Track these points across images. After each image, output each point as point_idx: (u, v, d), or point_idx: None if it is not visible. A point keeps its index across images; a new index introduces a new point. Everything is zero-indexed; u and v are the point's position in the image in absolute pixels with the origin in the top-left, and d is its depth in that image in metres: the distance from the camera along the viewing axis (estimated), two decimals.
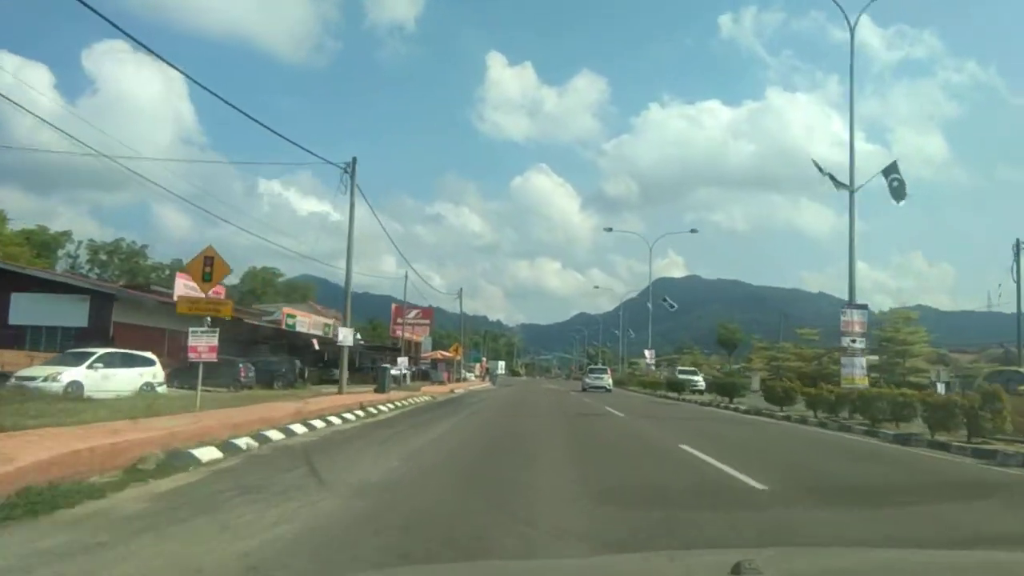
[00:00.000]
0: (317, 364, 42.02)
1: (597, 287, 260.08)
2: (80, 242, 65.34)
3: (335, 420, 14.12)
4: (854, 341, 19.67)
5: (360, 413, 16.30)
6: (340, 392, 23.46)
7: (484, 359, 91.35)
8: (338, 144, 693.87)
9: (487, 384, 58.32)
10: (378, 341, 65.54)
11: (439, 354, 59.75)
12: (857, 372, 19.66)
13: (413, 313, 57.51)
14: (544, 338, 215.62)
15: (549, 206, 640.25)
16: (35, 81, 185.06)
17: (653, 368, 61.32)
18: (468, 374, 68.86)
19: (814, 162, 21.45)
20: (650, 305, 55.56)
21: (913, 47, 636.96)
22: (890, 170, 20.16)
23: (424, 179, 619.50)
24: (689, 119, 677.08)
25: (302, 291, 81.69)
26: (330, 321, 46.60)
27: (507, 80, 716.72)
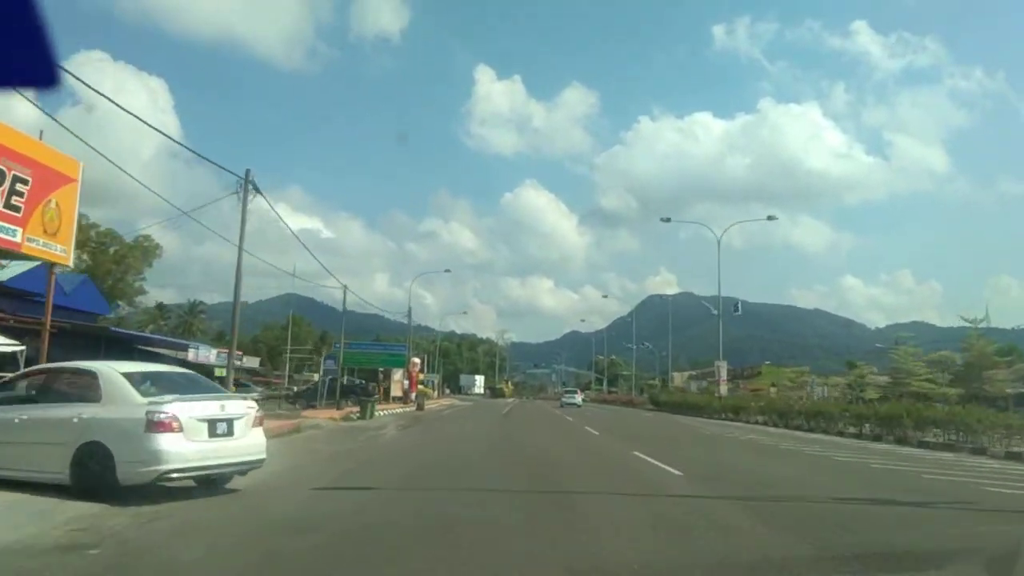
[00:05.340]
0: None
1: (606, 296, 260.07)
2: None
3: None
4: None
5: None
6: None
7: (416, 361, 51.76)
8: (328, 157, 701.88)
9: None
10: None
11: None
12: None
13: None
14: (534, 356, 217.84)
15: (541, 222, 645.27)
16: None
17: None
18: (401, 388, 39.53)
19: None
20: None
21: (916, 55, 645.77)
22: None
23: (415, 195, 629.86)
24: (682, 132, 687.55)
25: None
26: None
27: (496, 94, 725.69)
